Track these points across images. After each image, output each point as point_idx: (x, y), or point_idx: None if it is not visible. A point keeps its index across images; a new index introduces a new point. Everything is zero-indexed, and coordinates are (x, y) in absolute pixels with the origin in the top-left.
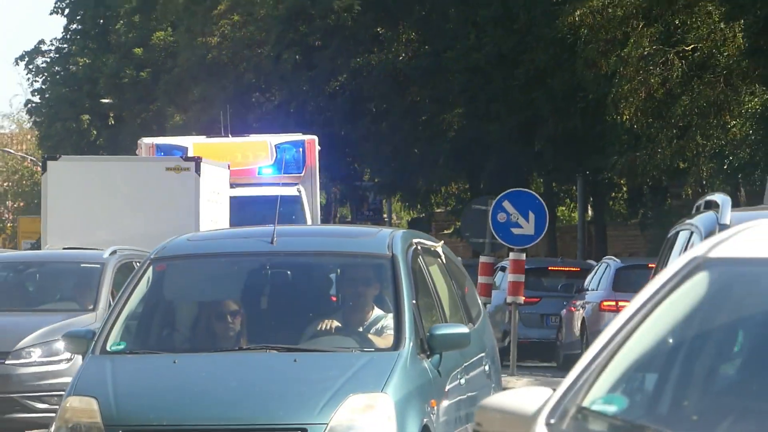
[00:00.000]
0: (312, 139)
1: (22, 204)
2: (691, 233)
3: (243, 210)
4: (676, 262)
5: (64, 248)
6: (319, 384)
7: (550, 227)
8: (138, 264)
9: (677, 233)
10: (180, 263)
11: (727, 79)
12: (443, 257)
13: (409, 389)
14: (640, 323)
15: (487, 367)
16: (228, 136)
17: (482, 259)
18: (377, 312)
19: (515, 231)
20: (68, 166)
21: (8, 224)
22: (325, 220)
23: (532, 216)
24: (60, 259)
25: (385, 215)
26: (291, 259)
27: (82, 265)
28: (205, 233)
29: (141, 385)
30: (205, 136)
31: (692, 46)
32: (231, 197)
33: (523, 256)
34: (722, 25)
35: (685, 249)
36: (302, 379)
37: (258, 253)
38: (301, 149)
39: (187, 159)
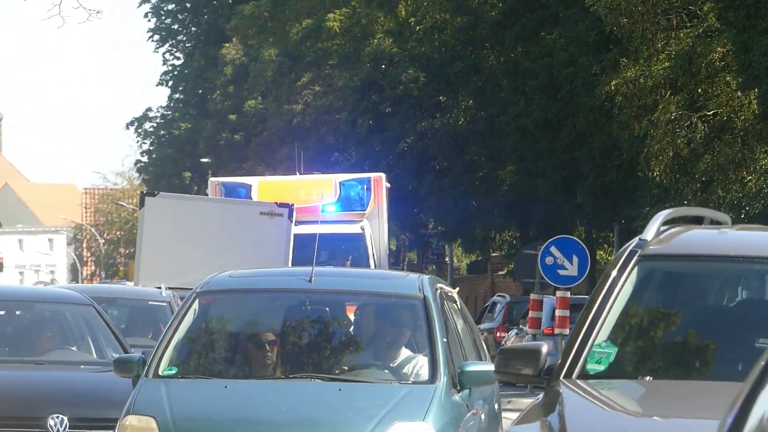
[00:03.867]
0: (379, 177)
1: (132, 250)
2: None
3: (306, 248)
4: None
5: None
6: (365, 412)
7: (590, 269)
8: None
9: None
10: (224, 297)
11: (744, 140)
12: (458, 302)
13: (445, 420)
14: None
15: (496, 405)
16: (297, 174)
17: (532, 296)
18: (407, 351)
19: (561, 272)
20: (165, 203)
21: (121, 268)
22: (395, 264)
23: (575, 259)
24: (129, 296)
25: (446, 259)
26: (328, 297)
27: (149, 302)
28: (247, 271)
29: (197, 407)
30: (274, 176)
31: (713, 111)
32: (295, 235)
33: (568, 294)
34: (739, 93)
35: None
36: (349, 407)
37: (297, 290)
38: (365, 186)
39: (281, 205)
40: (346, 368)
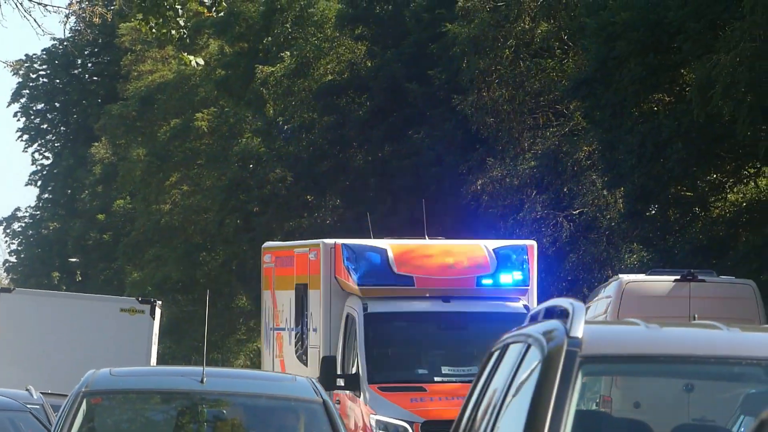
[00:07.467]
0: (532, 245)
1: None
2: (528, 347)
3: (458, 328)
4: None
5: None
6: None
7: None
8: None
9: (506, 347)
10: (114, 397)
11: (609, 239)
12: None
13: None
14: None
15: None
16: (426, 238)
17: None
18: None
19: None
20: (21, 299)
21: None
22: None
23: None
24: None
25: None
26: (224, 399)
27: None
28: (129, 369)
29: None
30: (405, 239)
31: (579, 210)
32: (444, 312)
33: None
34: (605, 192)
35: (519, 365)
36: None
37: (191, 392)
38: (525, 257)
39: (143, 301)
40: None
